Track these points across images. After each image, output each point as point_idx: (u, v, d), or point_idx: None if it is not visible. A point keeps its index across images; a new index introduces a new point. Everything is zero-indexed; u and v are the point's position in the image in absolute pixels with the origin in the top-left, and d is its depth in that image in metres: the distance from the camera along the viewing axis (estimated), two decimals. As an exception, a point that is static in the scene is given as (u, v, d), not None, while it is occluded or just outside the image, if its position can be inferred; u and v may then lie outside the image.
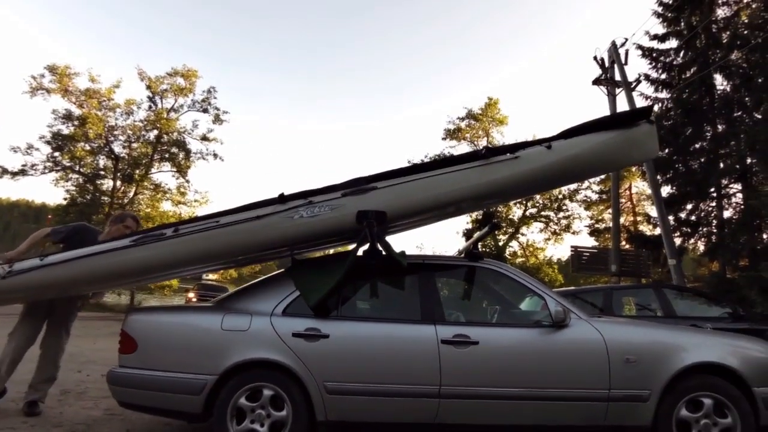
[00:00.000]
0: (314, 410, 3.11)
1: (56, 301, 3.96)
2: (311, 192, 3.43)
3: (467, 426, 3.18)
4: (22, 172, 19.68)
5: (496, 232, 20.72)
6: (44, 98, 20.09)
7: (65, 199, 20.88)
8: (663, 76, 15.16)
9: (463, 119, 25.07)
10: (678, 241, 14.17)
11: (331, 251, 4.62)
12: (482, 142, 25.07)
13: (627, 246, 16.22)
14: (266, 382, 3.13)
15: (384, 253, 3.42)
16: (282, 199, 3.38)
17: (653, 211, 16.59)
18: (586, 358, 3.20)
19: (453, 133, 25.10)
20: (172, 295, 23.61)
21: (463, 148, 25.04)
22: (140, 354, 3.23)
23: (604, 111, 13.56)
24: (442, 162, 3.73)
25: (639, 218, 22.05)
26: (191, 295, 21.34)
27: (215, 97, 22.39)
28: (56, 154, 20.27)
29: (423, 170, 3.51)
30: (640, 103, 13.80)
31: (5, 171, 19.54)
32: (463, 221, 22.27)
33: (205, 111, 22.44)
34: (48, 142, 20.09)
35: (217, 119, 22.37)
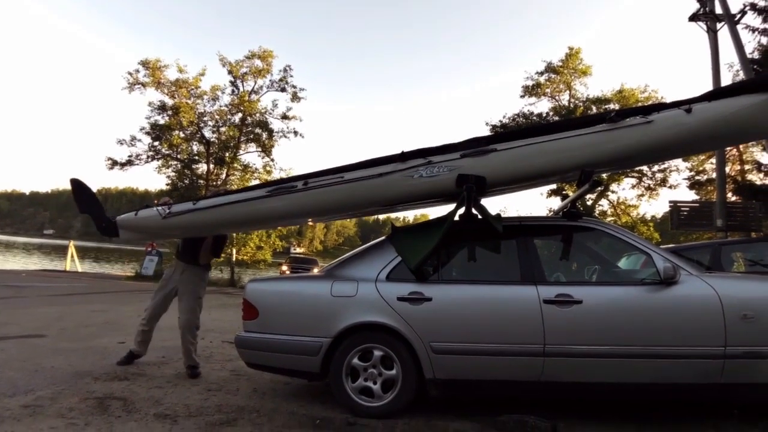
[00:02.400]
0: (422, 369, 3.29)
1: (183, 279, 4.49)
2: (430, 150, 3.52)
3: (574, 384, 3.22)
4: (129, 163, 21.54)
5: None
6: (141, 92, 21.72)
7: (167, 185, 22.63)
8: (773, 4, 13.46)
9: (542, 73, 23.83)
10: (795, 188, 12.81)
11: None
12: (564, 97, 23.83)
13: (734, 198, 14.92)
14: (376, 343, 3.36)
15: (480, 217, 3.49)
16: (402, 157, 3.51)
17: (764, 158, 15.06)
18: (699, 315, 3.11)
19: (532, 90, 23.93)
20: (266, 268, 25.12)
21: (543, 104, 23.95)
22: (262, 320, 3.57)
23: (705, 51, 12.37)
24: (564, 124, 3.65)
25: (747, 166, 20.10)
26: (284, 268, 22.58)
27: (291, 75, 23.00)
28: (156, 143, 21.93)
29: (544, 132, 3.44)
30: (746, 37, 12.43)
31: (115, 162, 21.50)
32: (547, 182, 21.32)
33: (283, 90, 23.12)
34: (148, 133, 21.77)
35: (294, 97, 23.00)
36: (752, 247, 6.95)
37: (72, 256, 23.34)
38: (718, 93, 3.26)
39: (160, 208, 4.01)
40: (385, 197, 3.62)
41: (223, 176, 22.90)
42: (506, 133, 3.12)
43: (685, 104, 3.23)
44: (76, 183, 4.22)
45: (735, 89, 3.25)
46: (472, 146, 3.44)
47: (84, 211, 4.21)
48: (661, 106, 3.32)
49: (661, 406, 3.50)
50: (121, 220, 4.18)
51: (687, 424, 3.15)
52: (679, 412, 3.42)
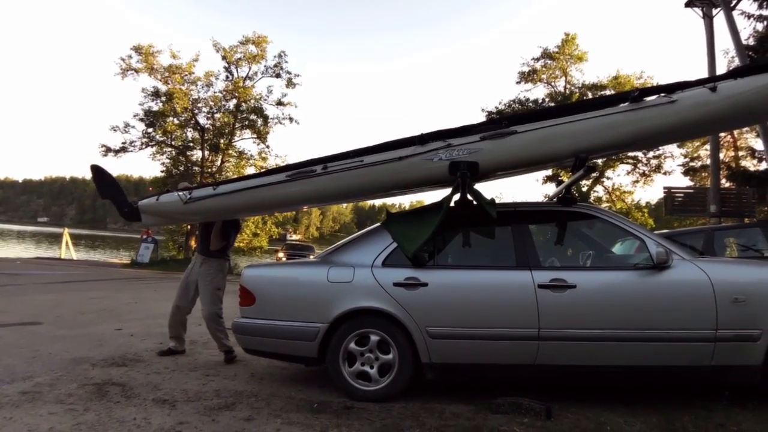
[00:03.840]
0: (418, 353, 3.33)
1: (201, 272, 4.55)
2: (449, 133, 3.50)
3: (568, 367, 3.27)
4: (123, 150, 21.43)
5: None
6: (134, 78, 21.53)
7: (162, 171, 22.55)
8: (769, -10, 13.40)
9: (538, 59, 23.76)
10: (788, 174, 12.88)
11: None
12: (560, 83, 23.77)
13: (727, 184, 15.00)
14: (372, 328, 3.39)
15: (475, 203, 3.50)
16: (421, 140, 3.49)
17: (758, 144, 15.13)
18: (691, 299, 3.15)
19: (528, 76, 23.89)
20: (263, 255, 25.14)
21: (539, 90, 23.91)
22: (259, 306, 3.59)
23: (700, 37, 12.35)
24: (584, 105, 3.60)
25: (741, 153, 20.18)
26: (281, 254, 22.59)
27: (286, 61, 22.83)
28: (150, 130, 21.80)
29: (563, 114, 3.40)
30: (741, 23, 12.39)
31: (109, 149, 21.37)
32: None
33: (278, 76, 22.96)
34: (141, 120, 21.65)
35: (289, 83, 22.85)
36: (745, 233, 7.02)
37: (67, 244, 23.26)
38: (744, 70, 3.20)
39: (181, 193, 4.02)
40: (405, 180, 3.59)
41: (218, 163, 22.83)
42: (525, 114, 3.07)
43: (710, 82, 3.17)
44: (96, 169, 4.24)
45: (763, 65, 3.18)
46: (492, 128, 3.42)
47: (105, 197, 4.23)
48: (684, 85, 3.25)
49: (653, 388, 3.56)
50: (142, 204, 4.20)
51: (678, 406, 3.21)
52: (671, 394, 3.48)
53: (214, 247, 4.57)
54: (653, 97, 3.23)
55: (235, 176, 22.01)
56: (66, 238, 23.49)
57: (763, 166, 13.54)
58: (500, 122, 3.45)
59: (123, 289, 10.70)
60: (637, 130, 3.24)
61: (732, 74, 3.20)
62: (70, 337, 5.11)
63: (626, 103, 3.25)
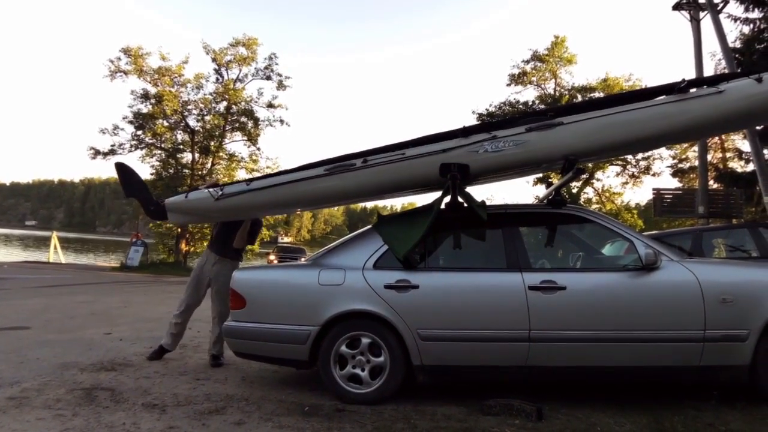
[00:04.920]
0: (410, 356, 3.33)
1: (215, 271, 4.48)
2: (494, 125, 3.49)
3: (558, 368, 3.29)
4: (112, 152, 21.23)
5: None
6: (123, 80, 21.39)
7: (152, 174, 22.39)
8: (755, -7, 13.60)
9: (528, 62, 23.92)
10: (775, 175, 13.06)
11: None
12: (550, 85, 23.94)
13: (715, 185, 15.18)
14: (364, 331, 3.39)
15: (465, 205, 3.51)
16: (465, 132, 3.45)
17: (745, 146, 15.32)
18: (680, 300, 3.18)
19: (518, 78, 24.04)
20: (253, 258, 25.04)
21: (529, 93, 24.07)
22: (250, 309, 3.57)
23: (688, 39, 12.49)
24: (630, 96, 3.59)
25: (729, 154, 20.42)
26: (272, 257, 22.53)
27: (277, 63, 22.80)
28: (139, 132, 21.66)
29: (609, 104, 3.38)
30: (728, 26, 12.55)
31: (98, 152, 21.18)
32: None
33: (269, 78, 22.92)
34: (131, 122, 21.48)
35: (280, 85, 22.82)
36: (733, 234, 7.10)
37: (55, 247, 23.02)
38: None
39: (212, 189, 3.95)
40: None
41: (209, 165, 22.71)
42: (570, 105, 3.06)
43: (756, 73, 3.20)
44: (121, 167, 4.19)
45: None
46: (537, 120, 3.40)
47: (130, 195, 4.20)
48: (729, 76, 3.28)
49: (642, 388, 3.59)
50: (170, 203, 4.14)
51: (668, 407, 3.23)
52: (660, 394, 3.51)
53: (239, 246, 4.55)
54: (701, 89, 3.24)
55: (225, 178, 22.11)
56: (54, 241, 23.26)
57: (750, 167, 13.70)
58: (545, 113, 3.45)
59: (112, 293, 10.60)
60: (688, 119, 3.23)
61: None
62: (59, 341, 5.05)
63: (676, 94, 3.24)
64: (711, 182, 14.90)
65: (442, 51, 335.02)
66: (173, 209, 4.12)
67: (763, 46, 13.12)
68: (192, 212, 4.19)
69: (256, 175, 23.05)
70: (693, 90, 3.26)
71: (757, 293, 3.17)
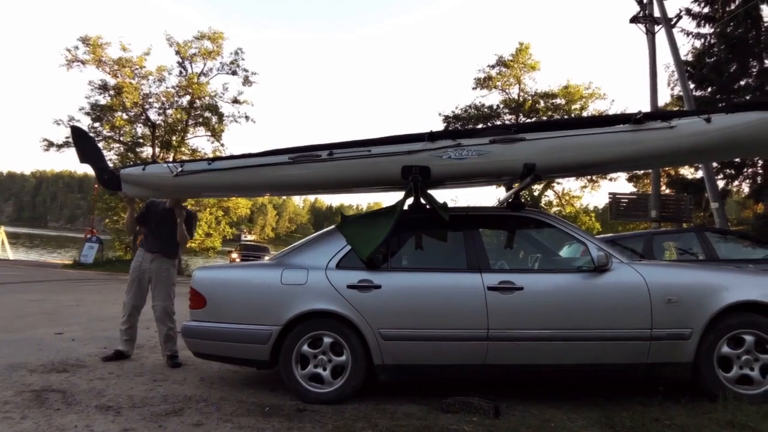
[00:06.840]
0: (371, 355, 3.36)
1: (154, 268, 4.42)
2: (460, 133, 3.61)
3: (515, 366, 3.39)
4: (67, 144, 20.37)
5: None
6: (80, 70, 20.56)
7: (109, 168, 21.61)
8: (706, 10, 14.29)
9: (493, 67, 24.38)
10: (721, 183, 13.77)
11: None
12: (514, 90, 24.45)
13: (667, 191, 15.83)
14: (325, 330, 3.40)
15: (428, 206, 3.57)
16: (432, 137, 3.53)
17: (695, 154, 16.00)
18: (629, 300, 3.33)
19: (483, 82, 24.48)
20: (216, 256, 24.55)
21: (494, 97, 24.53)
22: (209, 308, 3.53)
23: (643, 51, 13.01)
24: (589, 121, 3.81)
25: (680, 161, 21.30)
26: (234, 255, 22.12)
27: (243, 59, 22.40)
28: (96, 124, 20.88)
29: (571, 126, 3.57)
30: (681, 40, 13.15)
31: (51, 144, 20.33)
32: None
33: (234, 73, 22.48)
34: (87, 114, 20.70)
35: (246, 81, 22.42)
36: (682, 237, 7.42)
37: (2, 243, 21.94)
38: (735, 106, 3.48)
39: (171, 164, 3.87)
40: None
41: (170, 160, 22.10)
42: (533, 123, 3.26)
43: (705, 114, 3.41)
44: (77, 131, 4.10)
45: (752, 104, 3.48)
46: (501, 133, 3.53)
47: (84, 161, 4.08)
48: (681, 113, 3.52)
49: (594, 385, 3.73)
50: (126, 174, 4.03)
51: (617, 402, 3.37)
52: (610, 390, 3.66)
53: (182, 241, 4.49)
54: (655, 122, 3.44)
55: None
56: (2, 236, 22.15)
57: (699, 174, 14.37)
58: (509, 128, 3.61)
59: (64, 291, 10.20)
60: (639, 149, 3.44)
61: (724, 109, 3.47)
62: (6, 341, 4.84)
63: (630, 124, 3.43)
64: (663, 188, 15.53)
65: (409, 30, 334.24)
66: (128, 180, 4.04)
67: (713, 60, 13.82)
68: (147, 186, 4.08)
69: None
70: (650, 123, 3.44)
71: (701, 294, 3.35)
